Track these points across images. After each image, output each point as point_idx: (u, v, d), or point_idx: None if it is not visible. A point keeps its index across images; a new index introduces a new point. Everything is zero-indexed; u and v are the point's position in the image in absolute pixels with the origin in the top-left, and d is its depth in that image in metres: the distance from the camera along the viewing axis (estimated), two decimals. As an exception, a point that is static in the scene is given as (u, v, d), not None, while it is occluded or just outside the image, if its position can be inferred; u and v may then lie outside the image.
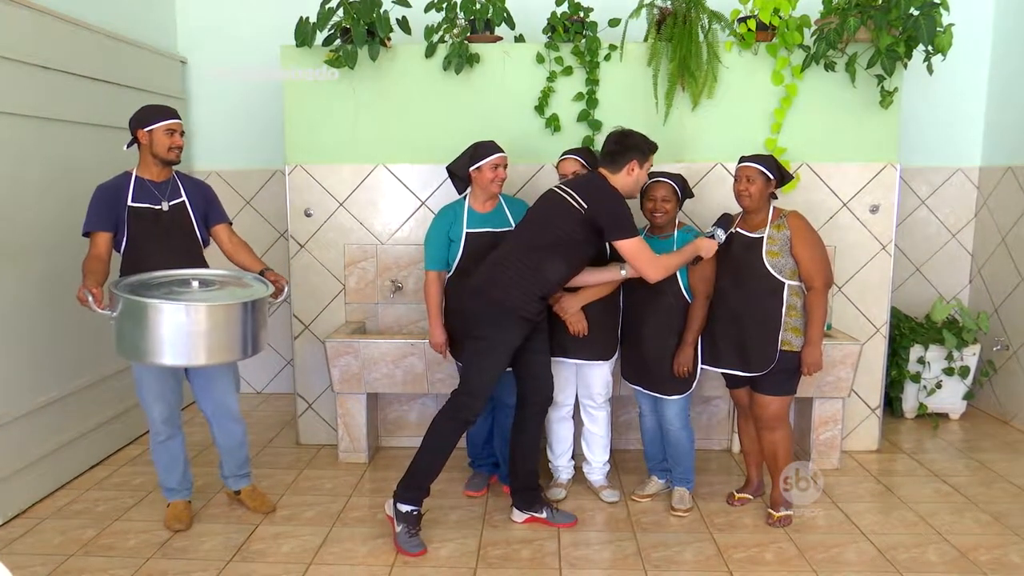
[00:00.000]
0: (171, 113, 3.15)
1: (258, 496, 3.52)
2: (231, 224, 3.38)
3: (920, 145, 4.91)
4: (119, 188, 3.12)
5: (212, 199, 3.33)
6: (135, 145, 3.19)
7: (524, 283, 3.05)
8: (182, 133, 3.18)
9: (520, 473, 3.35)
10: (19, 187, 3.46)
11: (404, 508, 3.11)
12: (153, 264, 3.05)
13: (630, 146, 3.10)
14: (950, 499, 3.62)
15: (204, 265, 3.25)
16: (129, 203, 3.10)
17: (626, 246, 3.03)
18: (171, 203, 3.17)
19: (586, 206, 3.02)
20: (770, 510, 3.37)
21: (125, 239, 3.11)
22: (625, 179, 3.10)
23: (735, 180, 3.26)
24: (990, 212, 4.86)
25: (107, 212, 3.09)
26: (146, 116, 3.12)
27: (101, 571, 2.97)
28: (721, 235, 3.22)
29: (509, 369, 3.44)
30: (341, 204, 4.20)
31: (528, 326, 3.12)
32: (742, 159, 3.27)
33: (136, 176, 3.15)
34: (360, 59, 3.92)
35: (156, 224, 3.12)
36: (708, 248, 3.17)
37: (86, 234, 3.10)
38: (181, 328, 2.70)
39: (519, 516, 3.37)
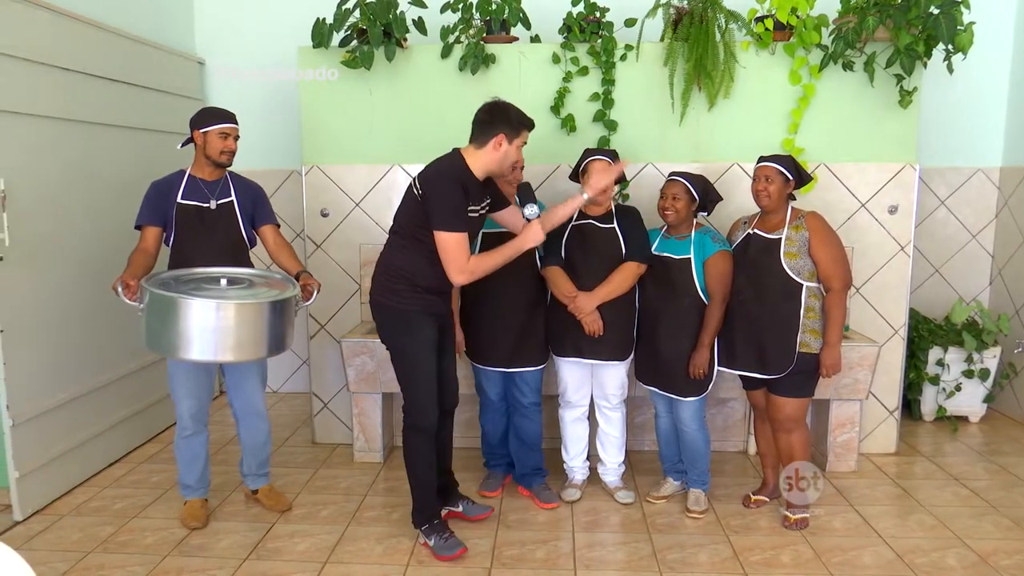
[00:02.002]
0: (227, 117, 3.22)
1: (275, 495, 3.54)
2: (278, 226, 3.43)
3: (940, 145, 4.86)
4: (171, 185, 3.20)
5: (261, 200, 3.38)
6: (191, 144, 3.26)
7: (402, 279, 2.97)
8: (236, 138, 3.25)
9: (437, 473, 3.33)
10: (40, 187, 3.50)
11: (425, 525, 3.12)
12: (198, 260, 3.13)
13: (500, 119, 2.90)
14: (969, 503, 3.58)
15: (248, 264, 3.32)
16: (178, 200, 3.18)
17: (439, 238, 2.84)
18: (219, 202, 3.23)
19: (421, 192, 2.89)
20: (786, 512, 3.35)
21: (173, 234, 3.18)
22: (491, 154, 2.90)
23: (753, 180, 3.25)
24: (1011, 213, 4.81)
25: (157, 208, 3.17)
26: (203, 118, 3.20)
27: (119, 568, 3.00)
28: (534, 210, 2.96)
29: (528, 369, 3.46)
30: (357, 204, 4.21)
31: (434, 320, 3.02)
32: (761, 159, 3.25)
33: (189, 174, 3.24)
34: (376, 60, 3.94)
35: (202, 221, 3.19)
36: (535, 237, 2.95)
37: (138, 227, 3.19)
38: (210, 324, 2.73)
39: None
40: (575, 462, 3.67)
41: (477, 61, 3.93)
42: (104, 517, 3.44)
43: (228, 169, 3.32)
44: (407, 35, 3.92)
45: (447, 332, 3.21)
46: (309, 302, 3.17)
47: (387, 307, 3.02)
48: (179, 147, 3.33)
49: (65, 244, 3.66)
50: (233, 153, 3.25)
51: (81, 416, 3.79)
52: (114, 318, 3.77)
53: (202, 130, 3.18)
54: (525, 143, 3.01)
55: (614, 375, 3.49)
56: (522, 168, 3.29)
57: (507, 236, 3.27)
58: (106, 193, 3.89)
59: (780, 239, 3.19)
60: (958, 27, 3.51)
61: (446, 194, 2.85)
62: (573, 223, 3.39)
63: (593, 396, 3.60)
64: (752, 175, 3.27)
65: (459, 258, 2.86)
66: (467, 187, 2.89)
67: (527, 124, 2.98)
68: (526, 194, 3.01)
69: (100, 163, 3.93)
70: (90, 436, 3.85)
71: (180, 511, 3.41)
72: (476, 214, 2.97)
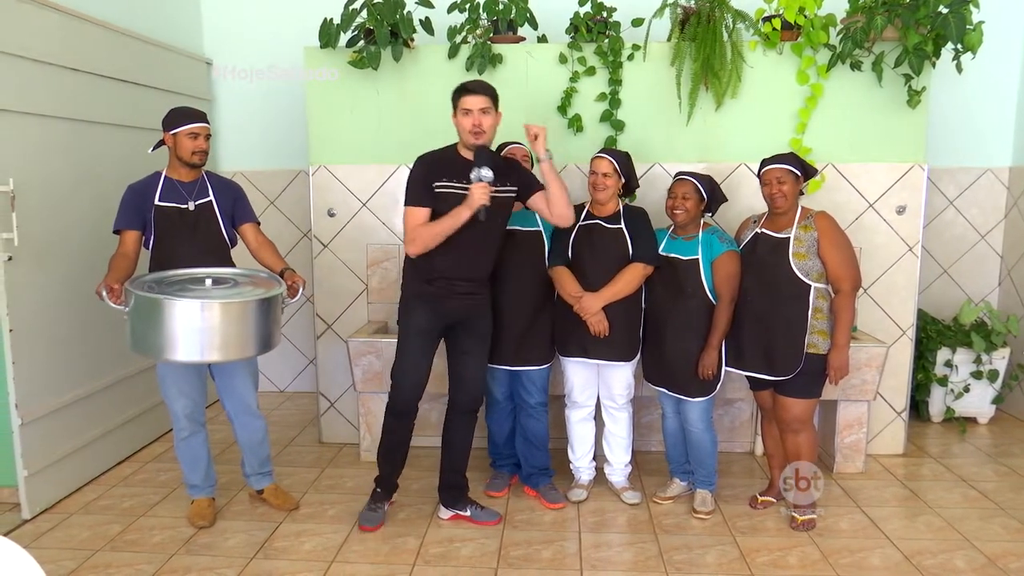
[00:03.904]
0: (196, 116, 3.18)
1: (281, 494, 3.55)
2: (259, 224, 3.41)
3: (948, 145, 4.84)
4: (148, 188, 3.18)
5: (240, 199, 3.37)
6: (163, 146, 3.24)
7: (411, 266, 3.18)
8: (207, 137, 3.21)
9: (446, 471, 3.40)
10: (48, 187, 3.51)
11: (375, 488, 3.40)
12: (179, 262, 3.11)
13: (452, 98, 3.12)
14: (978, 504, 3.57)
15: (230, 264, 3.29)
16: (156, 202, 3.15)
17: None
18: (197, 202, 3.21)
19: None
20: (794, 514, 3.34)
21: (153, 237, 3.16)
22: (456, 128, 3.12)
23: (764, 184, 3.22)
24: (1020, 213, 4.78)
25: (136, 211, 3.15)
26: (172, 119, 3.17)
27: (127, 566, 3.01)
28: (486, 173, 2.95)
29: (534, 368, 3.46)
30: (364, 204, 4.22)
31: (428, 308, 3.15)
32: (766, 162, 3.24)
33: (165, 176, 3.21)
34: (383, 60, 3.95)
35: (182, 223, 3.17)
36: (478, 196, 2.94)
37: (116, 232, 3.17)
38: (195, 324, 2.72)
39: (445, 513, 3.41)
40: (581, 462, 3.67)
41: (484, 61, 3.93)
42: (112, 515, 3.46)
43: (205, 169, 3.29)
44: (414, 35, 3.93)
45: (473, 332, 3.24)
46: (295, 299, 3.15)
47: (401, 291, 3.27)
48: (150, 151, 3.28)
49: (74, 244, 3.68)
50: (205, 152, 3.20)
51: (89, 415, 3.81)
52: (121, 318, 3.79)
53: (171, 132, 3.15)
54: (469, 109, 3.02)
55: (620, 375, 3.48)
56: (483, 133, 3.06)
57: (527, 235, 3.40)
58: (115, 193, 3.85)
59: (789, 239, 3.18)
60: (967, 26, 3.49)
61: (410, 173, 3.13)
62: (580, 223, 3.39)
63: (600, 396, 3.59)
64: (760, 179, 3.25)
65: (409, 230, 3.08)
66: (434, 164, 3.09)
67: (459, 91, 3.08)
68: (481, 156, 3.00)
69: (109, 163, 3.94)
70: (98, 435, 3.87)
71: (187, 510, 3.43)
72: (448, 190, 3.04)
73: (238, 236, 3.38)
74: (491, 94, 3.07)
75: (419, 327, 3.16)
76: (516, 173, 3.18)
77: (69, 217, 3.66)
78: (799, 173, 3.17)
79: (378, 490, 3.38)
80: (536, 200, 3.18)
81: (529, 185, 3.19)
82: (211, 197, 3.25)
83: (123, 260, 3.07)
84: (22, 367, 3.33)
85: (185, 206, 3.19)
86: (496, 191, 3.03)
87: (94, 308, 3.74)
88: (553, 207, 3.13)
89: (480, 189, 2.95)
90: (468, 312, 3.20)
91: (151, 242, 3.18)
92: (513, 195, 3.17)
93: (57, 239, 3.57)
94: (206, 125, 3.20)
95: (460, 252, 3.08)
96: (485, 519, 3.36)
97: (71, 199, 3.67)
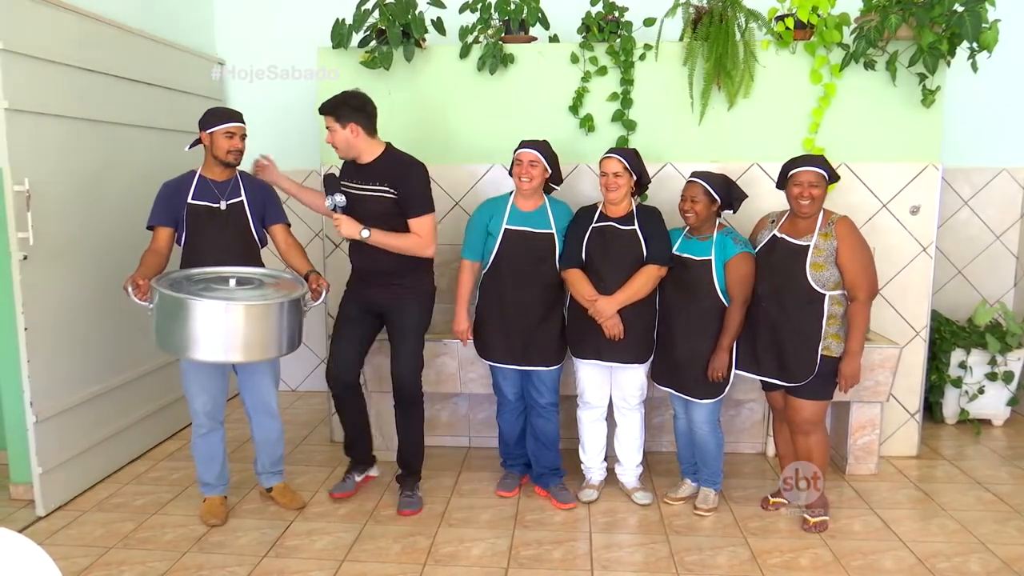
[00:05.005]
0: (232, 116, 3.23)
1: (288, 493, 3.56)
2: (289, 225, 3.44)
3: (963, 145, 4.80)
4: (182, 185, 3.23)
5: (271, 200, 3.40)
6: (199, 145, 3.29)
7: None
8: (243, 136, 3.25)
9: (398, 457, 3.58)
10: (62, 187, 3.54)
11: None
12: (209, 260, 3.16)
13: None
14: (993, 507, 3.54)
15: (259, 263, 3.34)
16: (189, 200, 3.20)
17: None
18: (229, 202, 3.25)
19: None
20: (806, 515, 3.32)
21: (184, 234, 3.21)
22: None
23: (795, 185, 3.12)
24: (1036, 213, 4.75)
25: (169, 208, 3.20)
26: (208, 119, 3.22)
27: (140, 564, 3.03)
28: (339, 199, 3.19)
29: (544, 368, 3.46)
30: (375, 204, 4.22)
31: (353, 297, 3.44)
32: (798, 162, 3.15)
33: (200, 175, 3.26)
34: (395, 60, 3.96)
35: (213, 221, 3.21)
36: (343, 228, 3.18)
37: (150, 228, 3.23)
38: (218, 325, 2.75)
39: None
40: (593, 462, 3.66)
41: (495, 61, 3.93)
42: (125, 513, 3.48)
43: (238, 169, 3.33)
44: (426, 35, 3.93)
45: (395, 324, 3.38)
46: (318, 302, 3.19)
47: None
48: (186, 149, 3.33)
49: (88, 243, 3.70)
50: (241, 152, 3.25)
51: (103, 413, 3.83)
52: (136, 316, 3.81)
53: (208, 131, 3.20)
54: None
55: (633, 377, 3.47)
56: (335, 149, 3.30)
57: (540, 236, 3.38)
58: (129, 192, 3.93)
59: (808, 247, 3.13)
60: (983, 25, 3.46)
61: None
62: (594, 224, 3.38)
63: (612, 397, 3.58)
64: (790, 179, 3.16)
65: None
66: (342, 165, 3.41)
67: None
68: (331, 183, 3.27)
69: (122, 163, 3.97)
70: (112, 433, 3.89)
71: (200, 508, 3.45)
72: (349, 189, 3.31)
73: (268, 236, 3.41)
74: (329, 112, 3.21)
75: (346, 314, 3.45)
76: (403, 185, 3.23)
77: (84, 216, 3.68)
78: (827, 178, 3.13)
79: (350, 462, 3.68)
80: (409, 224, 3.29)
81: (407, 209, 3.25)
82: (243, 197, 3.29)
83: (154, 257, 3.13)
84: (37, 365, 3.36)
85: (217, 205, 3.22)
86: (359, 189, 3.25)
87: (108, 307, 3.78)
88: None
89: (345, 222, 3.20)
90: (389, 302, 3.36)
91: (183, 239, 3.22)
92: (387, 196, 3.23)
93: (71, 238, 3.60)
94: (242, 125, 3.25)
95: (360, 247, 3.31)
96: (404, 507, 3.45)
97: (86, 199, 3.70)
